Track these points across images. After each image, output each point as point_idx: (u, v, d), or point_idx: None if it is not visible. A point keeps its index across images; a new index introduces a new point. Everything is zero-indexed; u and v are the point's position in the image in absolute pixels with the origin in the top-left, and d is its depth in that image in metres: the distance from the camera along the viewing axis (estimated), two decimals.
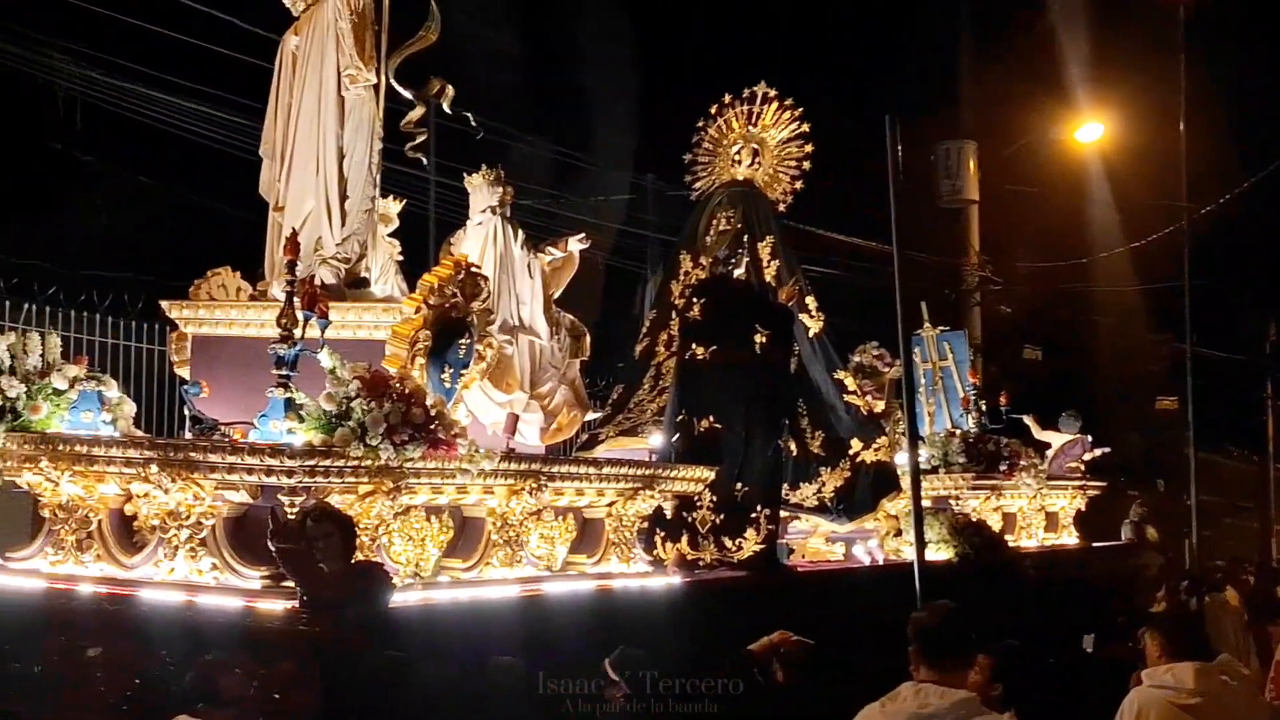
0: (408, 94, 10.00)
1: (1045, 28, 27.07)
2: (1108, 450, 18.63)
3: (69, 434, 8.23)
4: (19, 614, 7.93)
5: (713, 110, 14.30)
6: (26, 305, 13.94)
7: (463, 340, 8.89)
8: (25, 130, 17.74)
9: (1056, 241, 28.48)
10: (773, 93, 14.13)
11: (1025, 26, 27.83)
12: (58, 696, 7.51)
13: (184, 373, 9.51)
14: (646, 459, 11.53)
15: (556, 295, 10.95)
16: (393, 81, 9.84)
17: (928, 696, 5.51)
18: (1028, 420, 18.21)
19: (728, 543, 11.20)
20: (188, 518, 7.82)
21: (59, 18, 16.49)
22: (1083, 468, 17.93)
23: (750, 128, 14.17)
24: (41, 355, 8.45)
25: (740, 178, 14.14)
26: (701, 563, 11.07)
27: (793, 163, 14.14)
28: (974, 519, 14.51)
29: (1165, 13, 18.94)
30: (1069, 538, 17.74)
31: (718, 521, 11.18)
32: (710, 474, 10.82)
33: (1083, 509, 18.04)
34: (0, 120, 17.44)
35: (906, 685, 5.63)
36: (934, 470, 15.20)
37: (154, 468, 7.74)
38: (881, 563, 13.23)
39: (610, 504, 9.94)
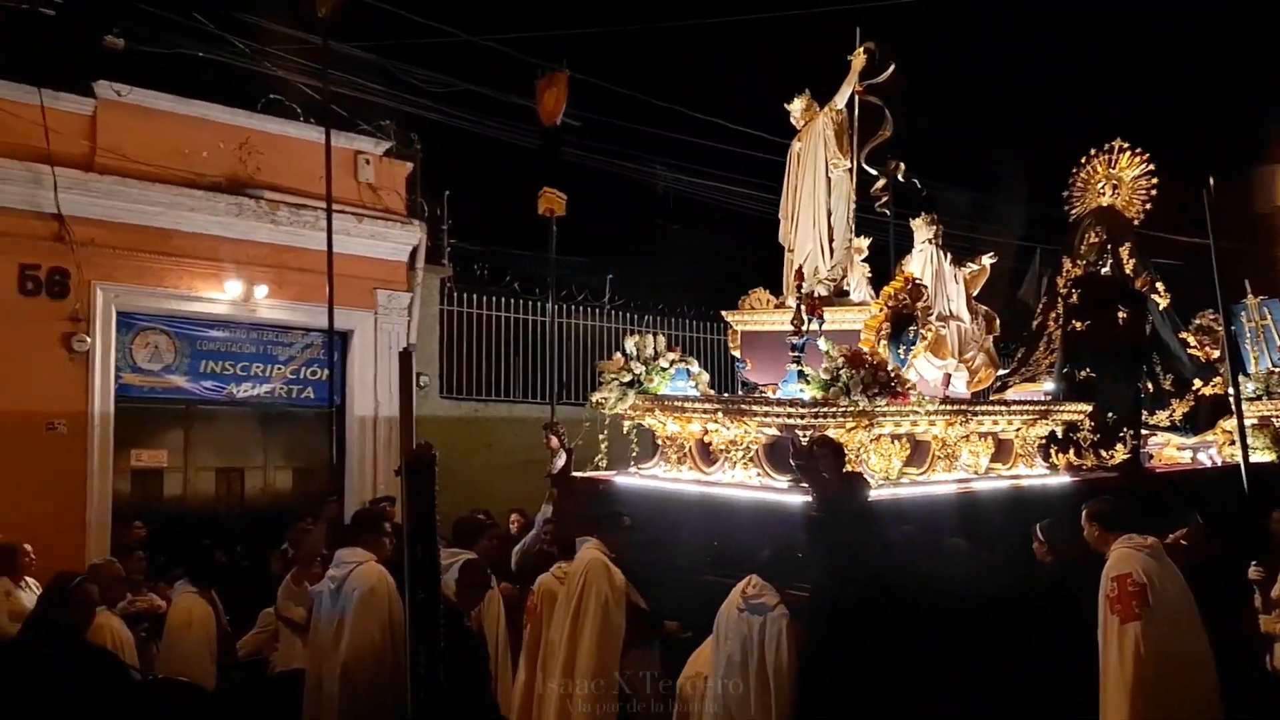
0: (874, 171, 9.94)
1: None
2: None
3: (670, 395, 8.67)
4: (648, 502, 8.38)
5: (1083, 160, 13.50)
6: (647, 317, 15.06)
7: (911, 328, 8.82)
8: (638, 215, 18.78)
9: None
10: (1126, 145, 13.21)
11: None
12: (668, 550, 7.85)
13: (736, 354, 9.83)
14: (1042, 398, 11.11)
15: (975, 293, 10.67)
16: (863, 164, 9.77)
17: (1136, 540, 6.30)
18: None
19: (1103, 453, 10.59)
20: (741, 444, 8.13)
21: (656, 140, 17.45)
22: None
23: (1110, 169, 13.27)
24: (653, 347, 8.86)
25: (1104, 204, 13.25)
26: (1084, 467, 10.51)
27: (1143, 191, 13.16)
28: None
29: None
30: None
31: (1095, 439, 10.59)
32: (1088, 408, 10.35)
33: None
34: (625, 209, 18.52)
35: (1125, 537, 6.29)
36: (1258, 398, 13.79)
37: (720, 414, 8.13)
38: (1219, 464, 12.24)
39: (1017, 429, 9.67)
